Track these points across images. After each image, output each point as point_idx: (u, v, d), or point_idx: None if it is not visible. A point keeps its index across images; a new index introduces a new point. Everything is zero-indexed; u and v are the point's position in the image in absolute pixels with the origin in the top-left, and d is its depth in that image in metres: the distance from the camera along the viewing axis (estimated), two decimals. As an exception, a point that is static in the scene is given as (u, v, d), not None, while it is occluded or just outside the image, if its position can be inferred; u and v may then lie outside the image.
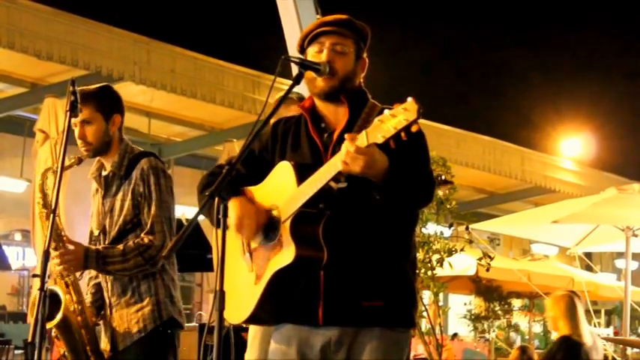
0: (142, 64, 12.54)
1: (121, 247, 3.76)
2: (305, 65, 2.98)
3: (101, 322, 3.94)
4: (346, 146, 2.66)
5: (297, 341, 2.98)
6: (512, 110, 28.34)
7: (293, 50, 7.49)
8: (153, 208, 3.77)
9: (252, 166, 3.08)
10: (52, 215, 3.33)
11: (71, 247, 3.73)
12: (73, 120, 3.72)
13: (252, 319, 3.00)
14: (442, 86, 28.48)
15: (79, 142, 3.89)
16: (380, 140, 2.60)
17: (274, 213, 2.92)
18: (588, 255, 11.67)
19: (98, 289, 3.99)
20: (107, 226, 3.88)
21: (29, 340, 3.29)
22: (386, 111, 2.58)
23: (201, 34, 22.44)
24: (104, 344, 3.88)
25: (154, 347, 3.79)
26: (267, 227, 2.94)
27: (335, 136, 3.00)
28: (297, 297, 2.92)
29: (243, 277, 2.98)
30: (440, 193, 7.68)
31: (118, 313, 3.84)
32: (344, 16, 3.08)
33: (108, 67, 11.99)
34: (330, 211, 2.83)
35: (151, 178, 3.80)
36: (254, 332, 4.28)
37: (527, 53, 30.59)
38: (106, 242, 3.87)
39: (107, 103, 3.92)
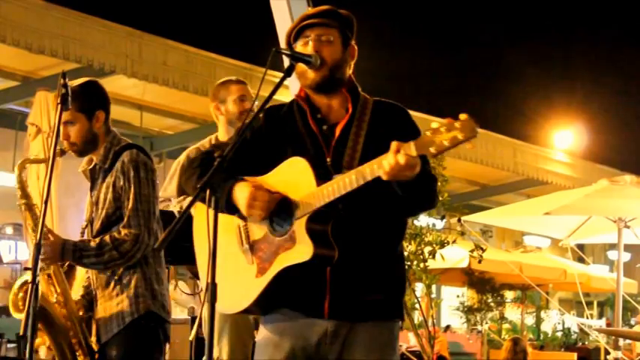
0: (134, 57, 12.49)
1: (97, 240, 3.76)
2: (296, 57, 2.97)
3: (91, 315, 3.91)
4: (396, 158, 2.63)
5: (291, 332, 2.97)
6: (505, 102, 28.35)
7: (285, 44, 7.49)
8: (131, 202, 3.77)
9: (243, 152, 3.02)
10: (43, 207, 3.34)
11: (50, 238, 3.71)
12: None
13: (247, 310, 3.01)
14: (433, 78, 28.49)
15: (64, 142, 3.88)
16: (432, 153, 2.59)
17: (291, 203, 2.87)
18: (580, 247, 11.67)
19: (90, 282, 3.98)
20: (94, 219, 3.89)
21: (21, 333, 3.29)
22: (434, 124, 2.56)
23: (193, 27, 22.39)
24: (93, 337, 3.87)
25: (135, 341, 3.77)
26: (276, 215, 2.91)
27: (338, 130, 3.00)
28: (300, 290, 2.91)
29: (240, 269, 2.96)
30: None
31: (101, 305, 3.84)
32: (326, 7, 3.08)
33: (99, 61, 11.94)
34: (344, 211, 2.83)
35: (131, 171, 3.80)
36: (221, 327, 4.29)
37: (520, 46, 30.59)
38: (92, 234, 3.87)
39: (88, 101, 3.89)
